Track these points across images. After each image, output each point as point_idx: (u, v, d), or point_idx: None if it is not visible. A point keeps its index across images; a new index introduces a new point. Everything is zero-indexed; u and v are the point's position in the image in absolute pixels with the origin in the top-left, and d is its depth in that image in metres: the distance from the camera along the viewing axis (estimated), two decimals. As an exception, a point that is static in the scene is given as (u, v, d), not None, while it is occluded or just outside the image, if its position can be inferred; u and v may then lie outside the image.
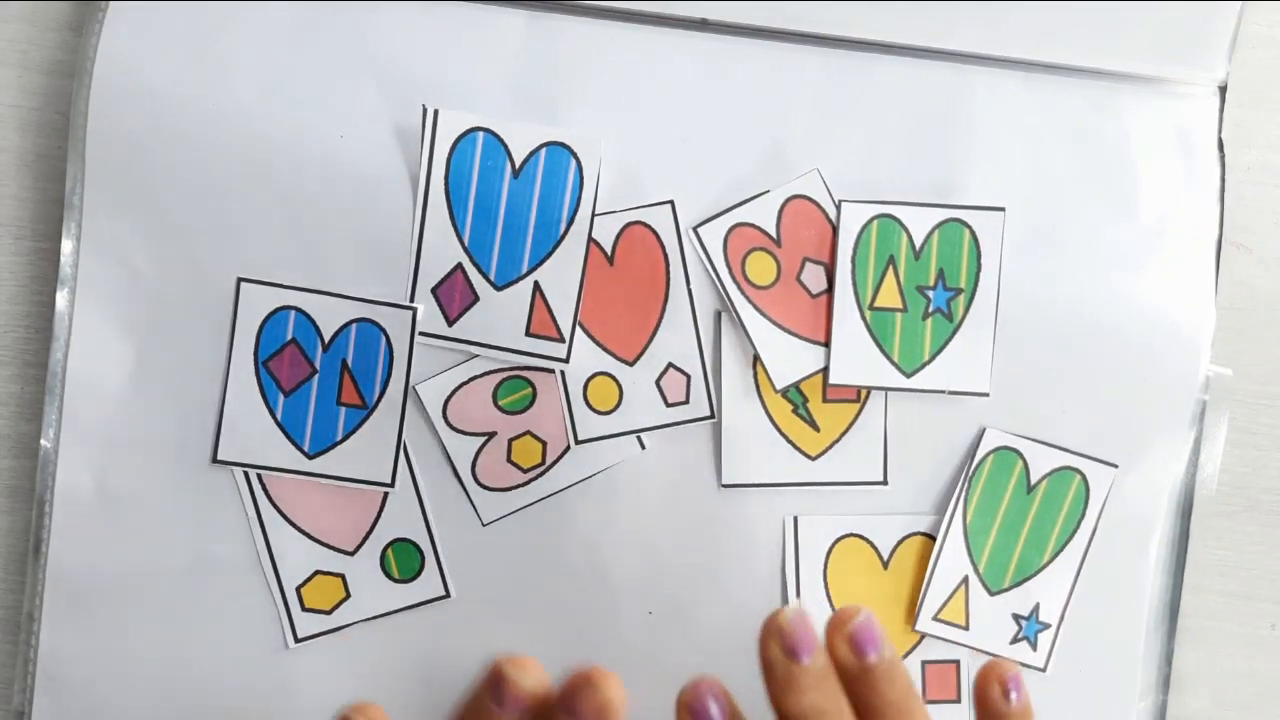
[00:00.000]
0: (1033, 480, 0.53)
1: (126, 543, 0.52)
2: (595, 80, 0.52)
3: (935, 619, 0.53)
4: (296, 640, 0.53)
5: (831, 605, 0.53)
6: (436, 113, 0.51)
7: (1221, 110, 0.54)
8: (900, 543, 0.54)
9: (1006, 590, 0.54)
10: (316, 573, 0.53)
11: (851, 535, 0.53)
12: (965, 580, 0.54)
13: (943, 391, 0.52)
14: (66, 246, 0.51)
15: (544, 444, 0.52)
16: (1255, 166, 0.56)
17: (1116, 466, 0.53)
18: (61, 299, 0.51)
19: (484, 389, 0.52)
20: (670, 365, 0.52)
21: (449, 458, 0.52)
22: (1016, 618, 0.54)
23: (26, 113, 0.53)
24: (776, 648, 0.39)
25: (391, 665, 0.53)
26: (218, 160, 0.51)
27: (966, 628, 0.54)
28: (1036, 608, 0.54)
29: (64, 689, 0.52)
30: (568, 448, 0.52)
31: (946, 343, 0.52)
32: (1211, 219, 0.54)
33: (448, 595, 0.53)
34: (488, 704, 0.38)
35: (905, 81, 0.53)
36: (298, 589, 0.52)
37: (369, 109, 0.51)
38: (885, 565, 0.54)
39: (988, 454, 0.53)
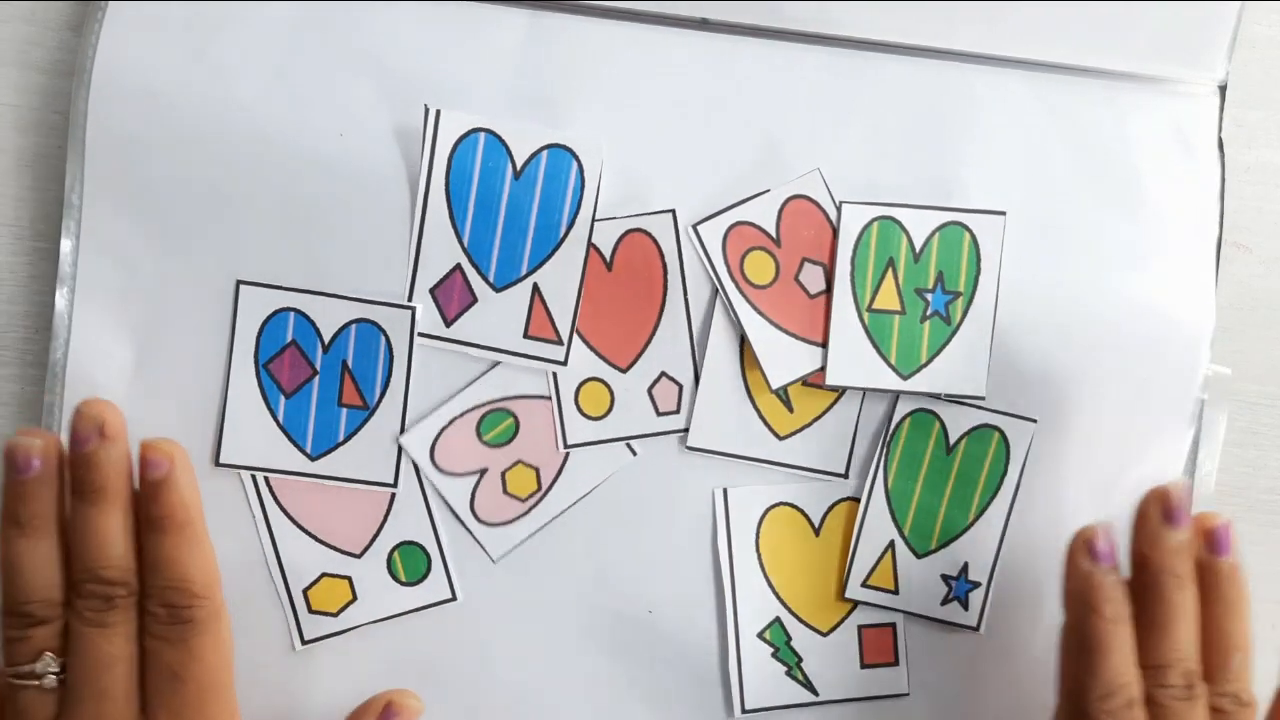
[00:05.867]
0: (952, 440, 0.54)
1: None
2: (596, 79, 0.53)
3: (864, 585, 0.54)
4: (303, 642, 0.53)
5: (765, 576, 0.54)
6: (439, 113, 0.51)
7: (1221, 110, 0.55)
8: (830, 509, 0.55)
9: (934, 552, 0.55)
10: (323, 575, 0.53)
11: (782, 504, 0.54)
12: (891, 545, 0.54)
13: (939, 396, 0.53)
14: (66, 246, 0.51)
15: (536, 470, 0.53)
16: (1255, 166, 0.57)
17: (1035, 421, 0.54)
18: (61, 299, 0.51)
19: (467, 427, 0.53)
20: (663, 374, 0.53)
21: (447, 504, 0.53)
22: (946, 578, 0.55)
23: (26, 112, 0.53)
24: (1156, 508, 0.48)
25: (398, 668, 0.54)
26: (217, 160, 0.51)
27: (896, 592, 0.55)
28: (965, 567, 0.55)
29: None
30: (562, 469, 0.53)
31: (944, 346, 0.53)
32: (1211, 218, 0.54)
33: (454, 598, 0.54)
34: (15, 478, 0.46)
35: (905, 81, 0.54)
36: (304, 591, 0.53)
37: (369, 108, 0.51)
38: (817, 533, 0.55)
39: (904, 417, 0.54)
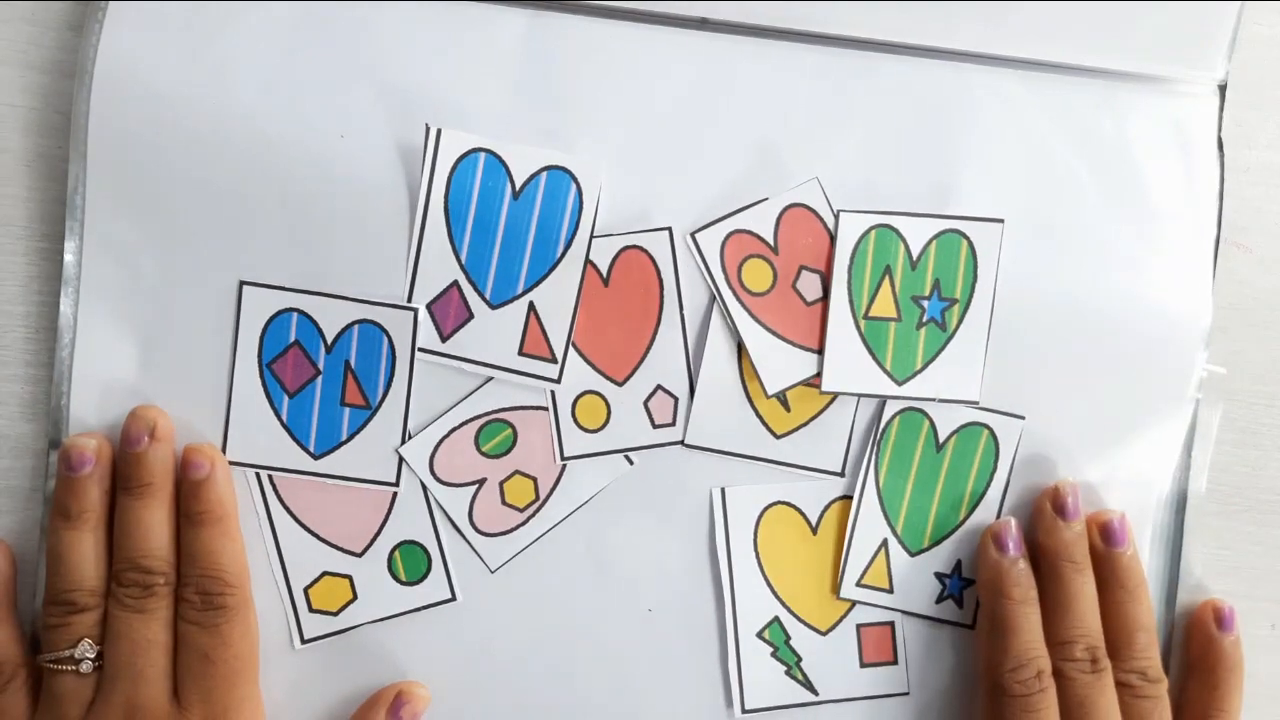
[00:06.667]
0: (941, 438, 0.55)
1: (130, 543, 0.53)
2: (596, 79, 0.53)
3: (859, 585, 0.55)
4: (303, 641, 0.54)
5: (764, 575, 0.55)
6: (440, 132, 0.51)
7: (1221, 110, 0.55)
8: (827, 508, 0.55)
9: (926, 550, 0.55)
10: (324, 574, 0.54)
11: (779, 503, 0.55)
12: (884, 543, 0.55)
13: (933, 400, 0.54)
14: (69, 247, 0.52)
15: (534, 480, 0.54)
16: (1255, 167, 0.57)
17: (1023, 418, 0.55)
18: (66, 300, 0.52)
19: (465, 438, 0.53)
20: (659, 387, 0.53)
21: (446, 514, 0.54)
22: (940, 576, 0.55)
23: (27, 113, 0.53)
24: (1049, 503, 0.54)
25: (398, 667, 0.54)
26: (218, 160, 0.51)
27: (890, 590, 0.55)
28: (959, 565, 0.55)
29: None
30: (559, 479, 0.54)
31: (939, 352, 0.53)
32: (1211, 218, 0.55)
33: (454, 598, 0.54)
34: (67, 475, 0.51)
35: (904, 80, 0.54)
36: (305, 590, 0.54)
37: (370, 108, 0.52)
38: (814, 531, 0.55)
39: (893, 416, 0.54)
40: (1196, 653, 0.56)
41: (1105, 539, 0.54)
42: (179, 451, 0.52)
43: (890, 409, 0.54)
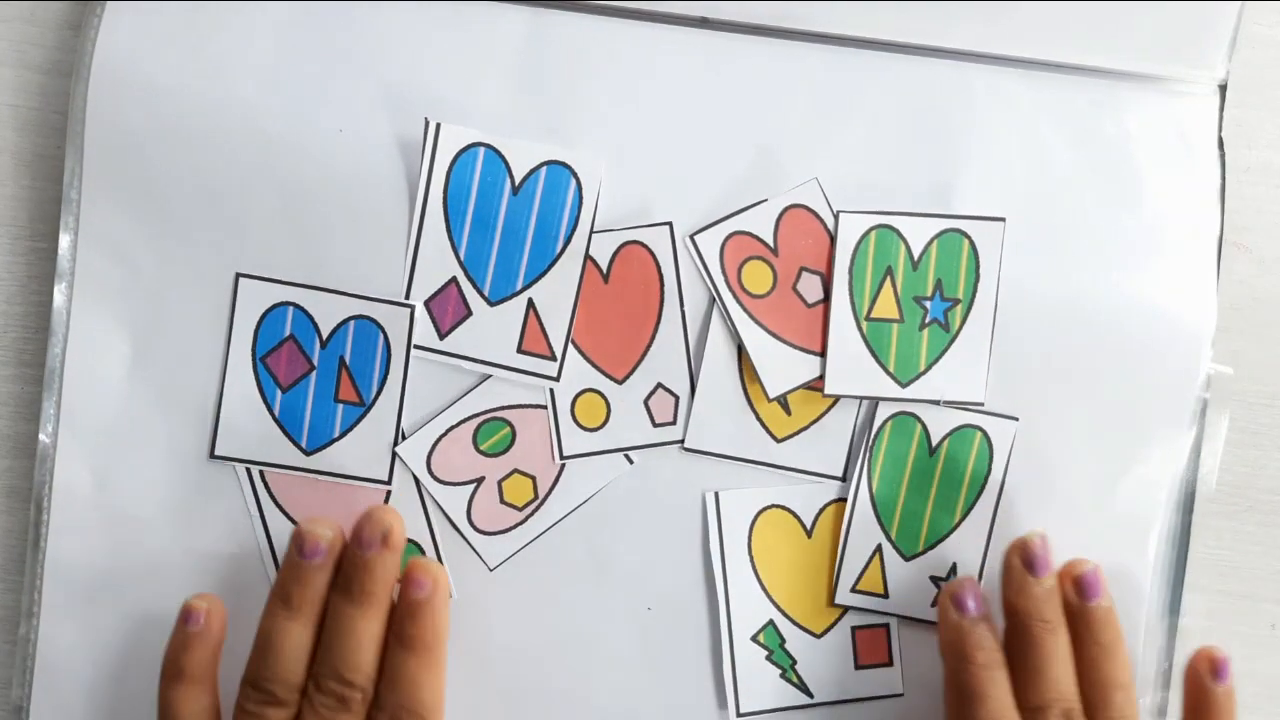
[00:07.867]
0: (934, 442, 0.54)
1: (125, 538, 0.53)
2: (596, 77, 0.53)
3: (854, 591, 0.54)
4: (298, 640, 0.54)
5: (759, 579, 0.54)
6: (439, 126, 0.51)
7: (1221, 110, 0.55)
8: (822, 511, 0.55)
9: (921, 554, 0.55)
10: (318, 570, 0.53)
11: (774, 507, 0.54)
12: (879, 549, 0.54)
13: (937, 402, 0.53)
14: (64, 242, 0.52)
15: (533, 478, 0.54)
16: (1255, 167, 0.56)
17: (1016, 419, 0.54)
18: (59, 294, 0.52)
19: (463, 436, 0.53)
20: (659, 385, 0.53)
21: (444, 512, 0.53)
22: (935, 580, 0.55)
23: (25, 112, 0.53)
24: (1018, 559, 0.51)
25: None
26: (216, 157, 0.52)
27: (886, 596, 0.55)
28: (953, 568, 0.54)
29: (62, 684, 0.53)
30: (558, 478, 0.53)
31: (943, 353, 0.53)
32: (1212, 218, 0.54)
33: (450, 596, 0.53)
34: (297, 560, 0.49)
35: (904, 79, 0.54)
36: (299, 586, 0.53)
37: (368, 105, 0.52)
38: (809, 534, 0.54)
39: (885, 421, 0.54)
40: (1190, 703, 0.53)
41: (1079, 592, 0.51)
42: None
43: (882, 414, 0.54)
